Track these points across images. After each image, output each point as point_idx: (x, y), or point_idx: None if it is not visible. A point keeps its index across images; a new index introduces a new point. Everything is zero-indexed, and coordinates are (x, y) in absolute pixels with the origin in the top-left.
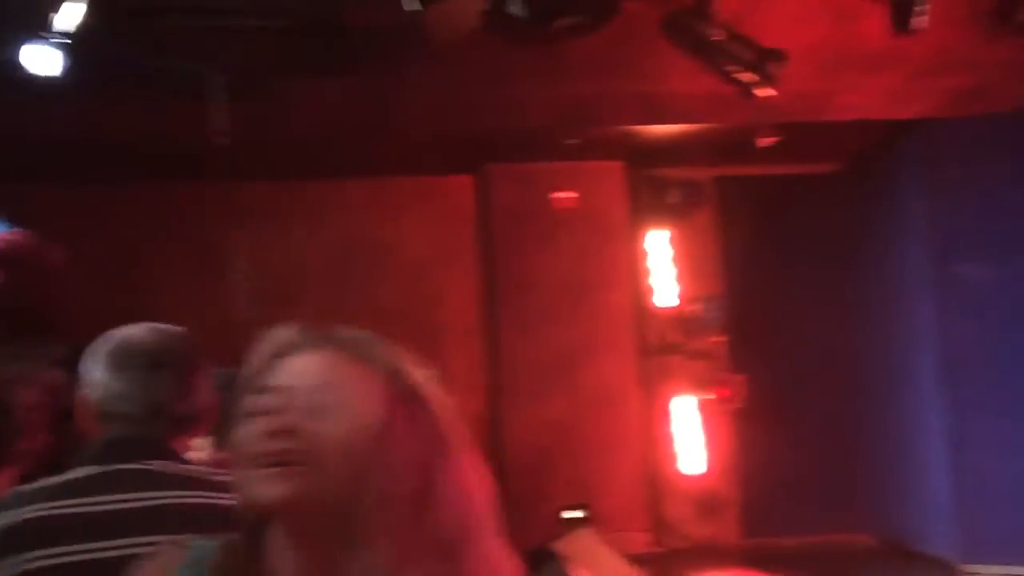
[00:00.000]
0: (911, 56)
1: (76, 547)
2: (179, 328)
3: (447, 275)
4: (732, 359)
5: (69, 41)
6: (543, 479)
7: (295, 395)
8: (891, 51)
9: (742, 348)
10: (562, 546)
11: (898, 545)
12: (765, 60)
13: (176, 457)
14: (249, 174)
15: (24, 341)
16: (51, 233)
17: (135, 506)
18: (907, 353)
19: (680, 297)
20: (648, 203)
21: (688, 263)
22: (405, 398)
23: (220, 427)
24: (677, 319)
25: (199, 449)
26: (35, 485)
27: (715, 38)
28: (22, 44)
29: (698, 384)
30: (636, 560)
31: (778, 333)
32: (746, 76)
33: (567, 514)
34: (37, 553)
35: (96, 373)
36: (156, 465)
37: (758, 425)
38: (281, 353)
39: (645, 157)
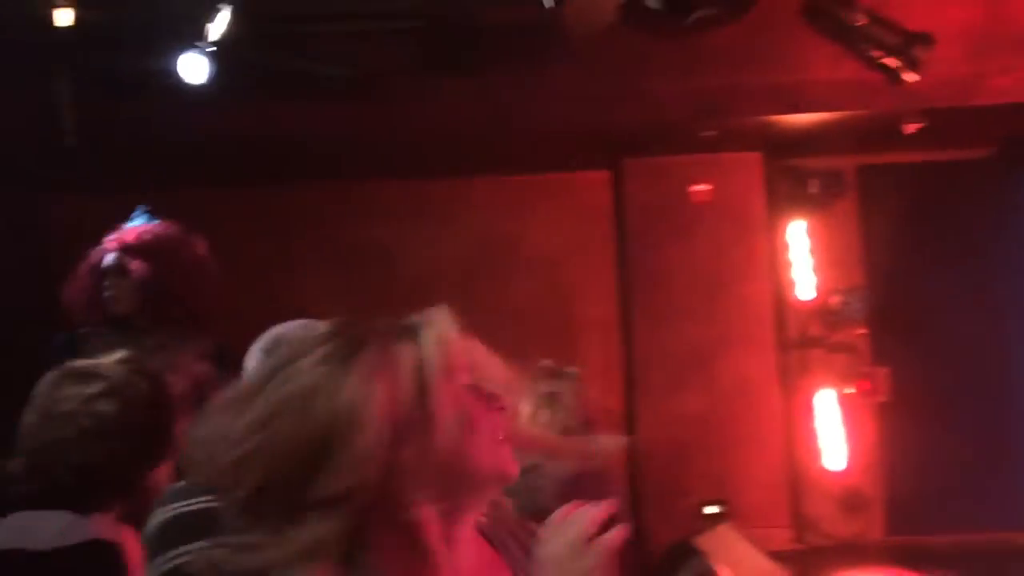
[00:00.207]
0: None
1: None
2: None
3: (582, 271)
4: (875, 352)
5: (217, 49)
6: (680, 474)
7: None
8: None
9: (885, 340)
10: (703, 542)
11: None
12: (910, 44)
13: None
14: (385, 173)
15: (169, 332)
16: (199, 235)
17: None
18: None
19: (820, 289)
20: (787, 194)
21: (829, 254)
22: None
23: None
24: (817, 312)
25: None
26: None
27: (858, 23)
28: (175, 53)
29: (840, 378)
30: (777, 557)
31: (923, 325)
32: (891, 61)
33: (707, 509)
34: (188, 548)
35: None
36: None
37: (903, 419)
38: None
39: (784, 147)
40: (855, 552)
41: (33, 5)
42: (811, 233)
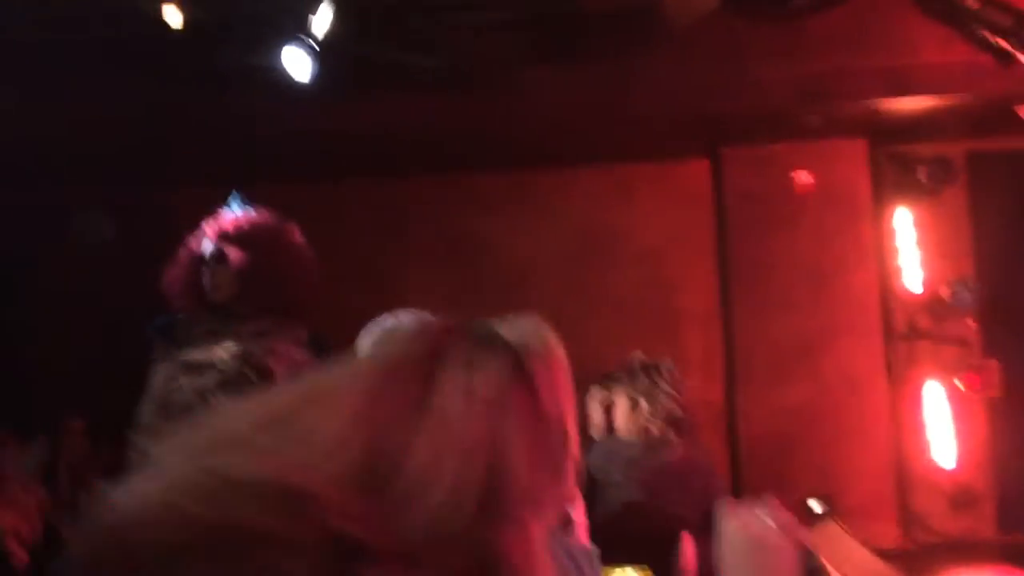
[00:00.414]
0: None
1: None
2: (439, 316)
3: (683, 261)
4: (985, 344)
5: (319, 43)
6: (782, 468)
7: None
8: None
9: (996, 333)
10: (808, 537)
11: None
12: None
13: None
14: (486, 165)
15: (267, 319)
16: (304, 228)
17: None
18: None
19: (929, 280)
20: (894, 181)
21: (937, 244)
22: None
23: None
24: (926, 303)
25: None
26: None
27: (969, 4)
28: (279, 48)
29: (948, 371)
30: (884, 555)
31: None
32: (1003, 43)
33: (812, 505)
34: None
35: None
36: None
37: (1015, 414)
38: None
39: (890, 133)
40: (964, 550)
41: (142, 3)
42: (919, 222)
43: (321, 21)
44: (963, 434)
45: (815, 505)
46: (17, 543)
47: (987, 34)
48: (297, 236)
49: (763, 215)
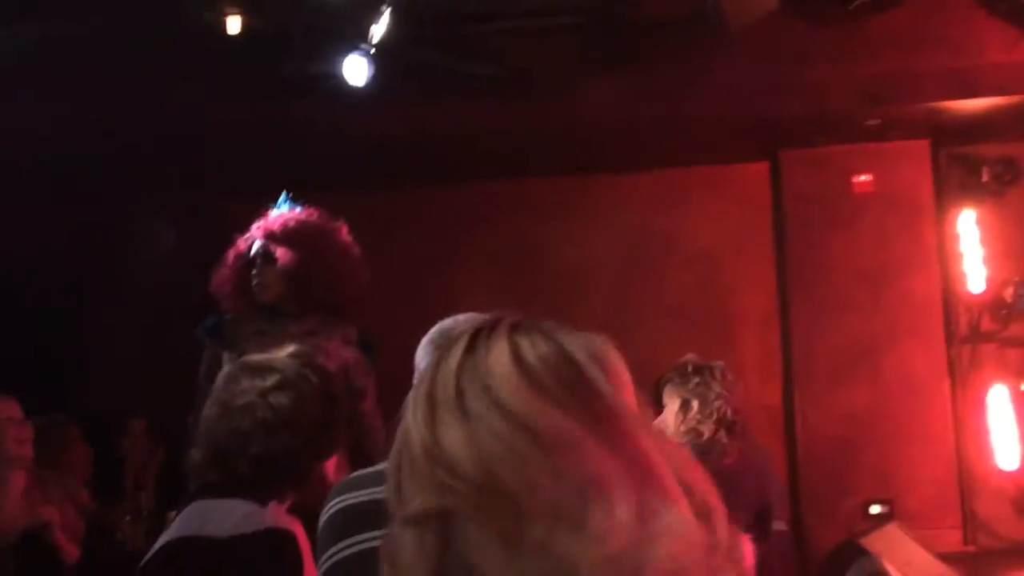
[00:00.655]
0: None
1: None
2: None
3: (741, 264)
4: None
5: (378, 50)
6: (842, 471)
7: None
8: None
9: None
10: (871, 541)
11: None
12: None
13: None
14: (543, 171)
15: (316, 319)
16: (359, 234)
17: None
18: None
19: (992, 281)
20: (957, 182)
21: (1001, 245)
22: None
23: None
24: (989, 305)
25: None
26: (363, 472)
27: None
28: (339, 56)
29: (1013, 373)
30: (946, 559)
31: None
32: None
33: (873, 509)
34: (359, 538)
35: (423, 362)
36: None
37: None
38: None
39: (954, 134)
40: None
41: (204, 13)
42: (982, 223)
43: (379, 28)
44: None
45: (876, 509)
46: (66, 538)
47: None
48: (345, 235)
49: (822, 217)
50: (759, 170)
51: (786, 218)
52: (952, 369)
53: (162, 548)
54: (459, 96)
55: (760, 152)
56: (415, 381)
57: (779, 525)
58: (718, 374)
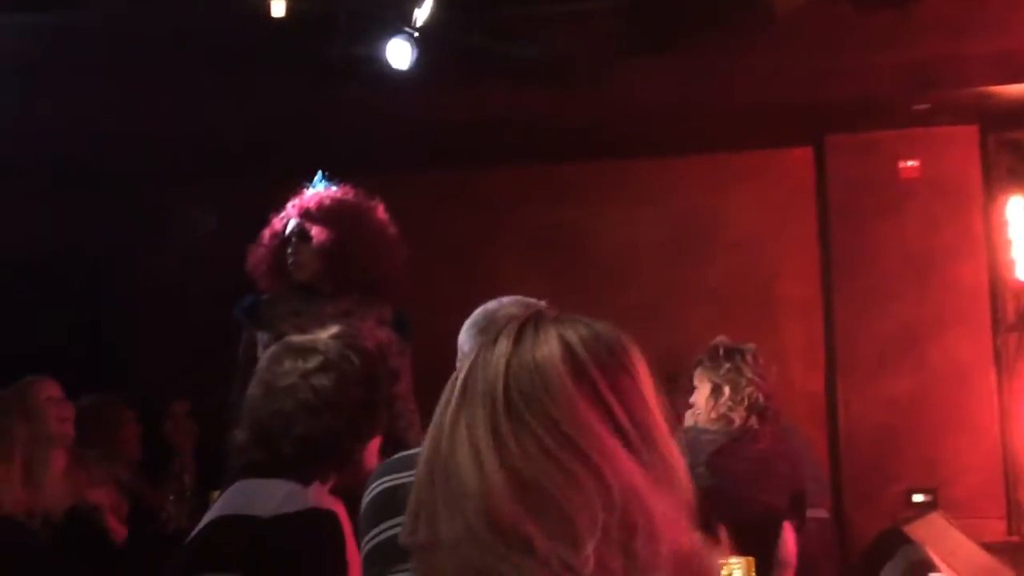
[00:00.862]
0: None
1: None
2: (543, 302)
3: (784, 250)
4: None
5: (421, 34)
6: (885, 460)
7: None
8: None
9: None
10: (914, 530)
11: None
12: None
13: None
14: (584, 155)
15: (352, 298)
16: (400, 217)
17: None
18: None
19: None
20: (1006, 168)
21: None
22: None
23: None
24: None
25: None
26: (406, 453)
27: None
28: (383, 39)
29: None
30: (991, 549)
31: None
32: None
33: (916, 498)
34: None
35: (466, 345)
36: None
37: None
38: None
39: (1003, 119)
40: None
41: None
42: None
43: (423, 12)
44: None
45: (919, 498)
46: (115, 520)
47: None
48: (381, 213)
49: (868, 203)
50: (803, 155)
51: (831, 204)
52: (998, 357)
53: (207, 526)
54: (502, 80)
55: (805, 137)
56: (457, 369)
57: (820, 513)
58: (749, 358)
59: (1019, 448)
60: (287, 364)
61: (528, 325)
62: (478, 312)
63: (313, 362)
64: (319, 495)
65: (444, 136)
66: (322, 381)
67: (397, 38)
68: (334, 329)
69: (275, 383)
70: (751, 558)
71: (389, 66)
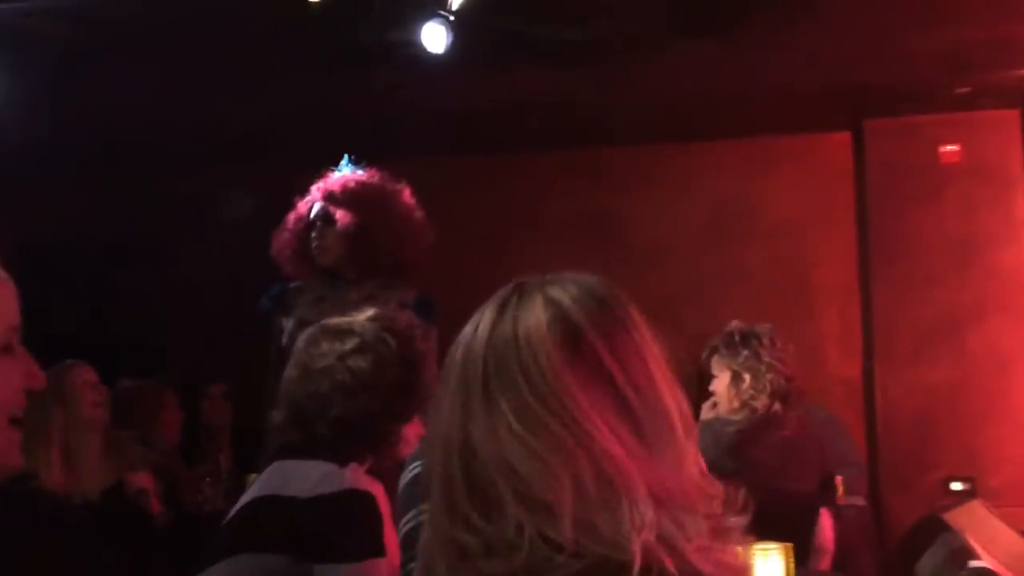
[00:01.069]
0: None
1: None
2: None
3: (821, 235)
4: None
5: (457, 16)
6: (923, 447)
7: None
8: None
9: None
10: (953, 517)
11: None
12: None
13: None
14: (621, 139)
15: (376, 283)
16: (435, 202)
17: None
18: None
19: None
20: None
21: None
22: None
23: None
24: None
25: None
26: None
27: None
28: (418, 23)
29: None
30: None
31: None
32: None
33: (954, 486)
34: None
35: None
36: None
37: None
38: None
39: None
40: None
41: None
42: None
43: None
44: None
45: (957, 485)
46: (157, 502)
47: None
48: (407, 197)
49: (907, 188)
50: (842, 140)
51: (869, 189)
52: None
53: (244, 507)
54: (540, 63)
55: (844, 122)
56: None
57: (858, 500)
58: (766, 340)
59: None
60: (324, 346)
61: (512, 294)
62: None
63: (350, 344)
64: (356, 476)
65: (479, 121)
66: (359, 363)
67: (432, 21)
68: (371, 312)
69: (312, 365)
70: (789, 544)
71: (424, 50)
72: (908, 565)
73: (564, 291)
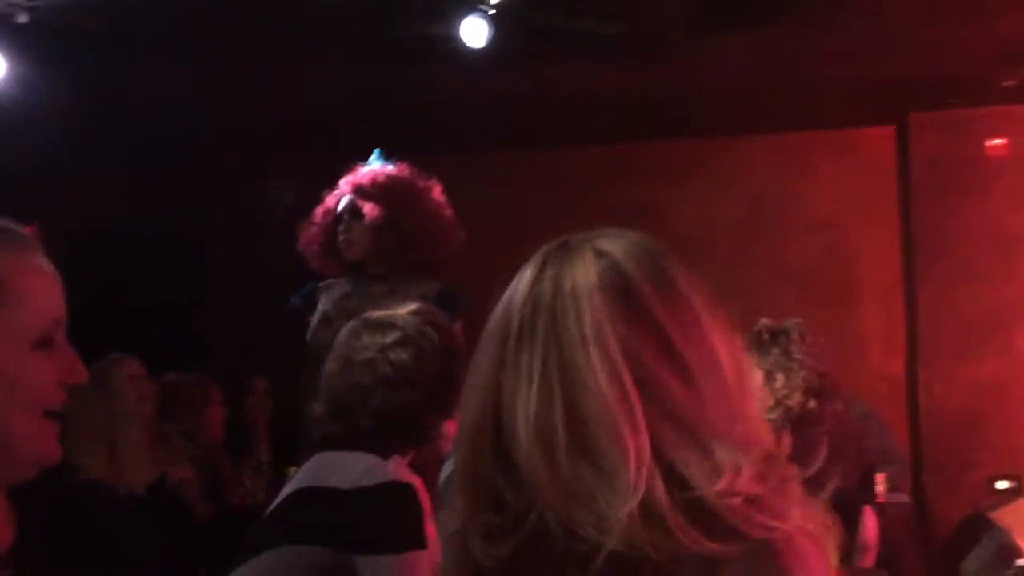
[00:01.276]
0: None
1: None
2: None
3: (864, 231)
4: None
5: (497, 11)
6: (968, 445)
7: None
8: None
9: None
10: (1000, 516)
11: None
12: None
13: None
14: (660, 134)
15: (399, 277)
16: (475, 197)
17: None
18: None
19: None
20: None
21: None
22: None
23: None
24: None
25: None
26: None
27: None
28: (458, 17)
29: None
30: None
31: None
32: None
33: (999, 484)
34: None
35: None
36: None
37: None
38: None
39: None
40: None
41: None
42: None
43: None
44: None
45: (1003, 484)
46: (195, 495)
47: None
48: (438, 194)
49: (952, 183)
50: (886, 134)
51: (913, 184)
52: None
53: (286, 498)
54: (579, 57)
55: (887, 115)
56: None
57: (901, 497)
58: (795, 336)
59: None
60: (365, 339)
61: (556, 250)
62: None
63: (391, 337)
64: (399, 468)
65: (520, 115)
66: (400, 356)
67: (472, 16)
68: (413, 305)
69: (353, 357)
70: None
71: (464, 44)
72: (954, 563)
73: (614, 244)
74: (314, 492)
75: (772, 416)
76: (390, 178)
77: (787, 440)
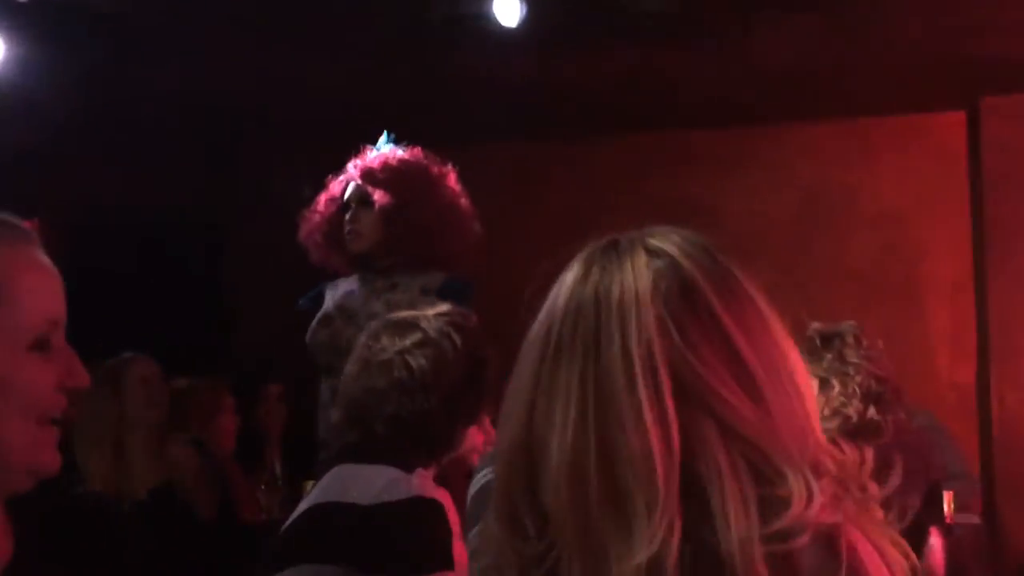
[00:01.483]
0: None
1: None
2: None
3: (930, 224)
4: None
5: None
6: None
7: None
8: None
9: None
10: None
11: None
12: None
13: None
14: (709, 120)
15: (403, 269)
16: (518, 184)
17: None
18: None
19: None
20: None
21: None
22: None
23: None
24: None
25: None
26: None
27: None
28: None
29: None
30: None
31: None
32: None
33: None
34: None
35: None
36: None
37: None
38: None
39: None
40: None
41: None
42: None
43: None
44: None
45: None
46: (204, 505)
47: None
48: (454, 182)
49: None
50: (954, 120)
51: (985, 174)
52: None
53: (304, 514)
54: (622, 38)
55: (956, 100)
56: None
57: (971, 518)
58: (851, 340)
59: None
60: (385, 340)
61: (602, 250)
62: None
63: (411, 339)
64: (424, 483)
65: (556, 100)
66: (419, 360)
67: None
68: (443, 307)
69: (372, 359)
70: None
71: (497, 24)
72: None
73: (667, 241)
74: (332, 508)
75: (829, 426)
76: (402, 162)
77: (870, 455)
